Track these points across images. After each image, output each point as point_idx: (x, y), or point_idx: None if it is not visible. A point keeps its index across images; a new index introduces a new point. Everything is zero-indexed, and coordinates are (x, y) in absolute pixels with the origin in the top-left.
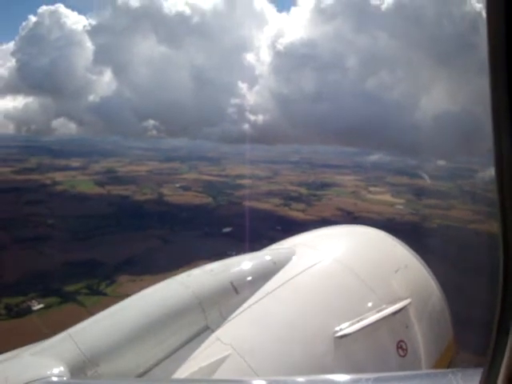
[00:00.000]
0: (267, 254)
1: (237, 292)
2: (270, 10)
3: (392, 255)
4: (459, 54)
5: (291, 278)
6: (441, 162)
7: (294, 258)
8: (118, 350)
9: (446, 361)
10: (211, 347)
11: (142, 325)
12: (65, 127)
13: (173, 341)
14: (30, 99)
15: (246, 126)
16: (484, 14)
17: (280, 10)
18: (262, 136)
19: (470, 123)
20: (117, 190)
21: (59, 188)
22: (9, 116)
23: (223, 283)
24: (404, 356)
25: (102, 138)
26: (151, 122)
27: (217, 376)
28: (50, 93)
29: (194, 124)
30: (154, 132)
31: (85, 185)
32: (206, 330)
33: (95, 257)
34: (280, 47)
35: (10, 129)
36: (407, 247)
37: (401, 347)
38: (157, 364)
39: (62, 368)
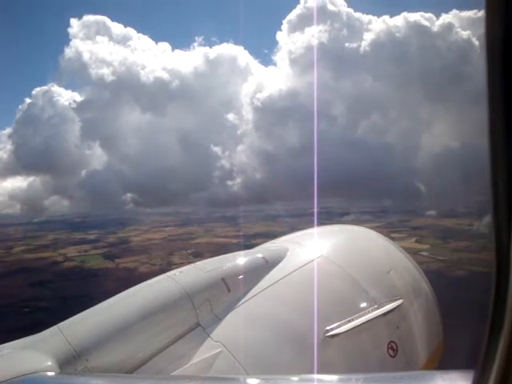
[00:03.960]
0: (259, 252)
1: (228, 289)
2: (256, 66)
3: (385, 255)
4: (450, 87)
5: (283, 277)
6: (456, 200)
7: (286, 256)
8: (108, 346)
9: (436, 361)
10: (202, 344)
11: (133, 320)
12: (57, 205)
13: (163, 337)
14: (31, 179)
15: (235, 188)
16: (477, 41)
17: (266, 64)
18: (259, 195)
19: (474, 156)
20: (125, 263)
21: (69, 265)
22: (14, 196)
23: (215, 280)
24: (394, 356)
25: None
26: (129, 195)
27: (207, 373)
28: (45, 172)
29: (182, 190)
30: (131, 205)
31: (94, 260)
32: (196, 327)
33: None
34: (257, 103)
35: (17, 209)
36: (399, 247)
37: (391, 348)
38: (147, 360)
39: (51, 362)
